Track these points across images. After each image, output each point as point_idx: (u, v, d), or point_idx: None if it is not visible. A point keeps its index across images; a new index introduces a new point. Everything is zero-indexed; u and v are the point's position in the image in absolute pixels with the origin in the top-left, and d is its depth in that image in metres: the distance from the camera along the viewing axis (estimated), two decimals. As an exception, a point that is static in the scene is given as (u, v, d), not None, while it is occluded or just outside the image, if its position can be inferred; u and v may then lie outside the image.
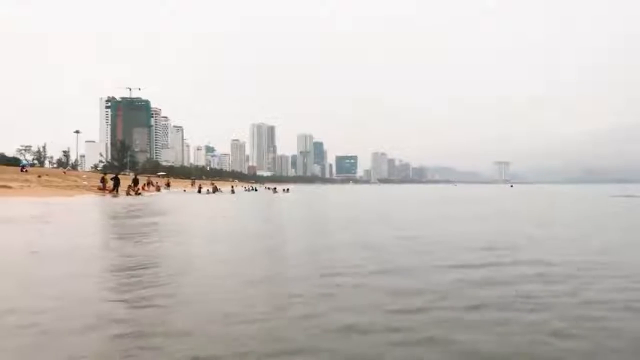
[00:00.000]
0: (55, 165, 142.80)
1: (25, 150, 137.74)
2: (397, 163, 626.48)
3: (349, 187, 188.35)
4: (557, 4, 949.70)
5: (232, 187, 74.80)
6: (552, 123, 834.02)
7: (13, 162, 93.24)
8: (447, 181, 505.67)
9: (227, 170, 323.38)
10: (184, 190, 59.31)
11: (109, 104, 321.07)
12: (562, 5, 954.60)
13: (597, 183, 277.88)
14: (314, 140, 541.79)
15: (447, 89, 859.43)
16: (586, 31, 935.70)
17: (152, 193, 48.78)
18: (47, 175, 52.26)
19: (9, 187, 31.25)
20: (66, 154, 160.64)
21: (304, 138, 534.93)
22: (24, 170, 56.24)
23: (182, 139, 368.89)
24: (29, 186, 35.56)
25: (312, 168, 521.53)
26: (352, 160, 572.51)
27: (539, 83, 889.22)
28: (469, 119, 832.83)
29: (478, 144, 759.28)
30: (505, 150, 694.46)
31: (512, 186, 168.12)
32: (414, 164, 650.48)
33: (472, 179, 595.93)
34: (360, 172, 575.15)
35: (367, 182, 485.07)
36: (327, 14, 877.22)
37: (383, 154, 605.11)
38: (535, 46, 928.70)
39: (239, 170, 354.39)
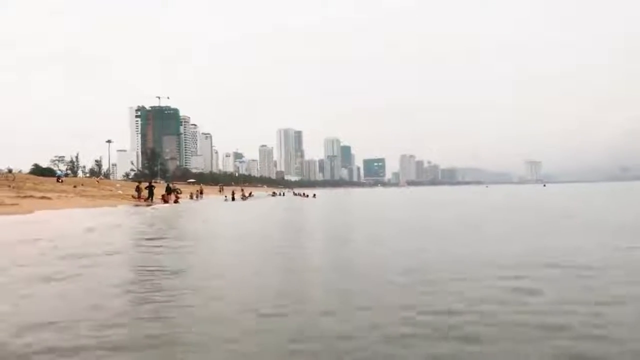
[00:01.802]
0: (87, 175, 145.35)
1: (58, 160, 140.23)
2: (425, 165, 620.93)
3: (380, 190, 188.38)
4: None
5: (274, 192, 77.58)
6: (583, 121, 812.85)
7: (47, 172, 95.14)
8: (478, 182, 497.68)
9: (256, 175, 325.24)
10: (225, 198, 57.02)
11: (139, 113, 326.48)
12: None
13: (634, 180, 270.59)
14: (342, 144, 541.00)
15: (470, 88, 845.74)
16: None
17: (187, 201, 49.01)
18: (82, 185, 53.09)
19: (49, 199, 31.59)
20: (98, 163, 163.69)
21: (331, 142, 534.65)
22: (60, 180, 57.19)
23: (211, 146, 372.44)
24: (66, 196, 35.94)
25: (340, 172, 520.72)
26: (380, 163, 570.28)
27: (566, 79, 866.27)
28: (494, 118, 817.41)
29: (507, 144, 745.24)
30: (535, 149, 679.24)
31: (544, 186, 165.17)
32: (443, 165, 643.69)
33: (502, 179, 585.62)
34: (388, 175, 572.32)
35: (396, 184, 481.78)
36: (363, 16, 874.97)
37: (411, 156, 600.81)
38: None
39: (267, 175, 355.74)
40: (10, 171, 52.36)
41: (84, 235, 13.91)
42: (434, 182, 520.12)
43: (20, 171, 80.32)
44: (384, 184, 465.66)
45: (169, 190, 43.89)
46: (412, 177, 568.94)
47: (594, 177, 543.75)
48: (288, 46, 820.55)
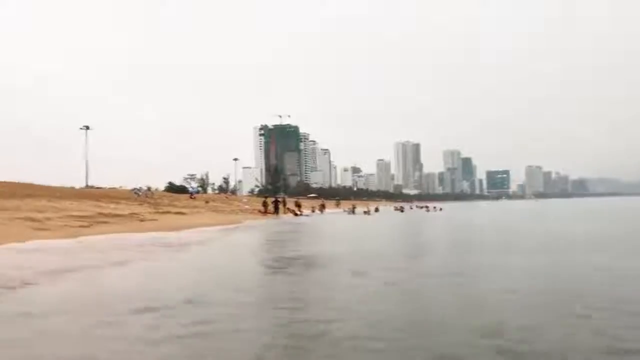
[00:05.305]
0: (217, 192, 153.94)
1: (190, 178, 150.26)
2: (553, 176, 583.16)
3: (507, 203, 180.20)
4: None
5: (401, 207, 74.85)
6: None
7: (180, 190, 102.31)
8: (612, 194, 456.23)
9: (373, 189, 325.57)
10: (365, 212, 57.44)
11: (262, 131, 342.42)
12: None
13: None
14: (462, 155, 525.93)
15: (605, 90, 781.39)
16: None
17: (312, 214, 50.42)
18: (213, 201, 56.25)
19: (184, 214, 33.70)
20: (226, 180, 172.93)
21: (451, 154, 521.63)
22: (193, 197, 61.13)
23: (329, 161, 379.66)
24: (198, 212, 38.13)
25: (461, 185, 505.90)
26: (504, 175, 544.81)
27: None
28: (629, 123, 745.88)
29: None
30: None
31: None
32: (573, 175, 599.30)
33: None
34: (513, 187, 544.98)
35: (522, 197, 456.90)
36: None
37: (538, 166, 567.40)
38: None
39: (385, 189, 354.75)
40: (149, 189, 56.85)
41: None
42: (562, 195, 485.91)
43: (157, 189, 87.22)
44: (508, 197, 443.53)
45: (299, 205, 48.00)
46: (539, 189, 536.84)
47: None
48: (405, 58, 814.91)
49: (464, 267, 10.77)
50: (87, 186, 73.25)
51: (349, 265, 11.10)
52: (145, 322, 5.84)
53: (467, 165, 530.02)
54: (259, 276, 10.71)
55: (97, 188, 65.89)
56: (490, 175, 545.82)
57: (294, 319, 6.05)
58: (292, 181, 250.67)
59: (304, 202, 69.99)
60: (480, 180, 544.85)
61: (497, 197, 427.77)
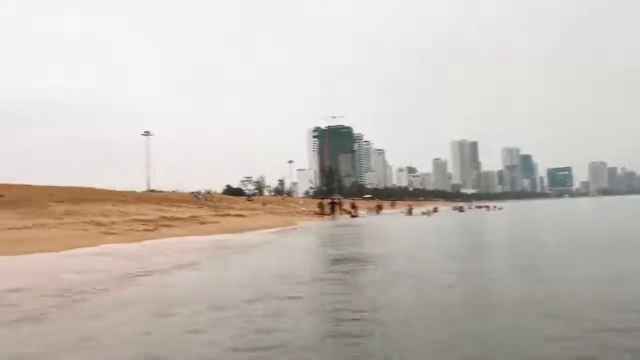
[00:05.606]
0: (273, 194, 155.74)
1: (247, 181, 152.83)
2: (619, 172, 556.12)
3: (571, 201, 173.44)
4: None
5: (461, 207, 71.26)
6: None
7: (238, 192, 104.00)
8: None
9: (430, 189, 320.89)
10: (423, 214, 55.04)
11: (316, 133, 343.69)
12: None
13: None
14: (521, 153, 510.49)
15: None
16: None
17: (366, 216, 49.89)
18: (270, 203, 56.72)
19: (243, 216, 33.99)
20: (282, 182, 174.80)
21: (510, 152, 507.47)
22: (250, 199, 61.90)
23: (384, 162, 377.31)
24: (257, 214, 38.41)
25: (522, 183, 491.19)
26: (566, 172, 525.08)
27: None
28: None
29: None
30: None
31: None
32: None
33: None
34: (576, 184, 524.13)
35: (585, 194, 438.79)
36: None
37: (603, 163, 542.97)
38: None
39: (442, 189, 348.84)
40: (208, 192, 57.81)
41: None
42: (630, 192, 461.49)
43: (215, 192, 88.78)
44: (572, 195, 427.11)
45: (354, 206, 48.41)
46: (604, 186, 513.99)
47: None
48: (453, 57, 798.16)
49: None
50: (149, 190, 75.16)
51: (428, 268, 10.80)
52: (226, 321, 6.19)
53: (527, 163, 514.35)
54: (329, 282, 10.35)
55: (159, 192, 67.56)
56: (552, 172, 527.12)
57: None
58: (347, 182, 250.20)
59: (360, 204, 69.45)
60: (542, 178, 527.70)
61: (560, 195, 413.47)
